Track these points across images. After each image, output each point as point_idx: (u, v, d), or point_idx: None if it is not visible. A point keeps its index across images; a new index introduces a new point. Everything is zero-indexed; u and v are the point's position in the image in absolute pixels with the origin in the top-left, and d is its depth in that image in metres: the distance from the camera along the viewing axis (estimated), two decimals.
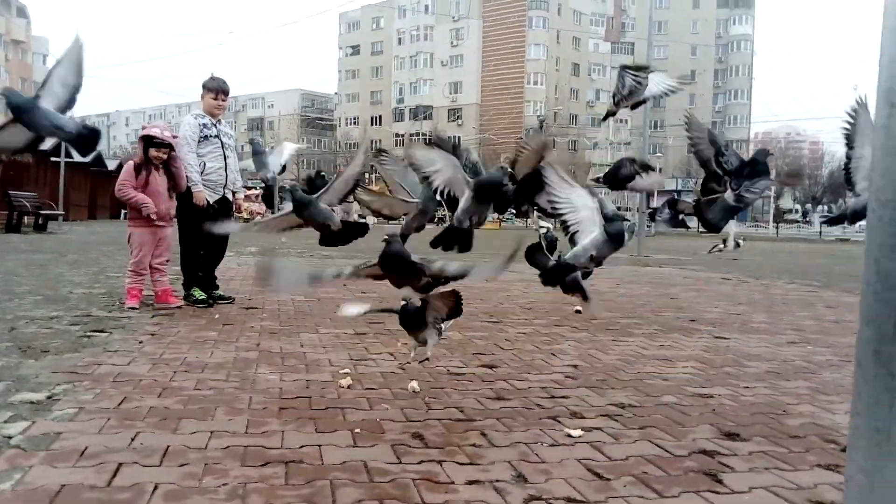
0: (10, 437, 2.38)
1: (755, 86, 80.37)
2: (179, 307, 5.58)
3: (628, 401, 3.20)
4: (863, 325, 1.10)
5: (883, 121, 1.08)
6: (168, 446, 2.36)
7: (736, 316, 6.30)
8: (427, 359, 2.94)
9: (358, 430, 2.62)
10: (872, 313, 1.08)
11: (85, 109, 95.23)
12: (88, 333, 4.33)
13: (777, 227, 43.85)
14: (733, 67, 79.81)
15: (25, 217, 17.56)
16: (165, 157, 5.58)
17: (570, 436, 2.63)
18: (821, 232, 40.90)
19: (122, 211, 5.91)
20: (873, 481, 1.08)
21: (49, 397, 2.89)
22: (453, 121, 78.48)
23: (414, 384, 3.29)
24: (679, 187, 68.84)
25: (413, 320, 2.94)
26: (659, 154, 63.57)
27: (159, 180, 5.58)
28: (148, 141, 5.56)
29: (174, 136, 5.78)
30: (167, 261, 5.74)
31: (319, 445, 2.43)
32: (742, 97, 79.59)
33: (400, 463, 2.29)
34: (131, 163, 5.68)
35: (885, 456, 1.07)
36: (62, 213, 20.81)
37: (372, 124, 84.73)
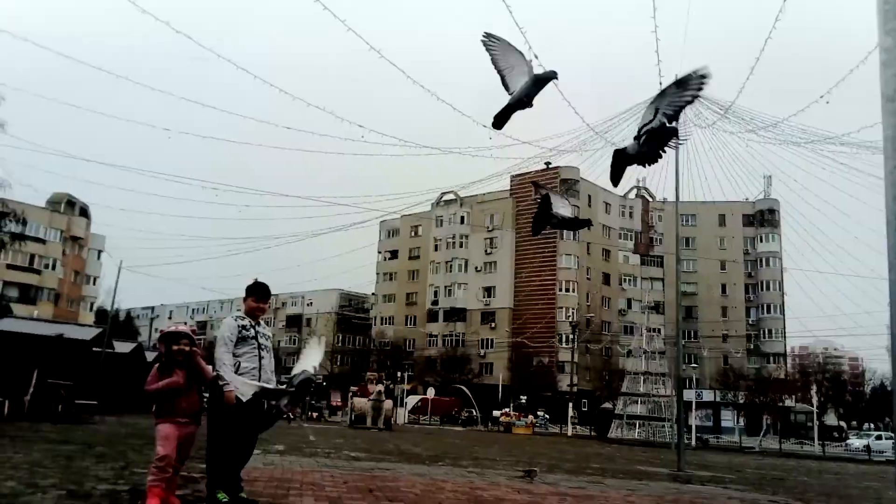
0: None
1: (787, 301, 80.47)
2: None
3: None
4: None
5: None
6: None
7: None
8: None
9: None
10: None
11: (130, 303, 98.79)
12: None
13: (823, 446, 41.79)
14: (764, 282, 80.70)
15: (59, 406, 17.69)
16: (187, 348, 5.73)
17: None
18: (870, 454, 38.89)
19: (154, 406, 6.02)
20: None
21: None
22: (486, 323, 79.41)
23: None
24: (717, 399, 67.23)
25: None
26: (694, 365, 62.74)
27: (181, 375, 5.69)
28: (167, 338, 5.73)
29: (193, 330, 5.98)
30: (186, 458, 5.73)
31: None
32: (775, 311, 79.63)
33: None
34: (156, 365, 5.80)
35: None
36: (95, 402, 20.95)
37: (406, 324, 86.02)
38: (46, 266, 67.51)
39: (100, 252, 73.89)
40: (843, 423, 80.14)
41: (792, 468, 21.55)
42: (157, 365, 5.80)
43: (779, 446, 42.52)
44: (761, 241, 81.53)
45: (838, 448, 43.98)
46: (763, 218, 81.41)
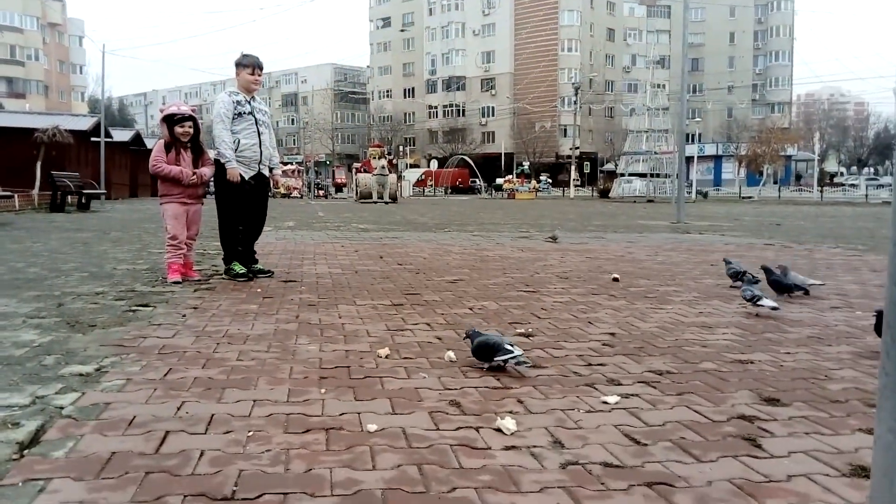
0: (61, 408, 2.47)
1: (797, 46, 77.87)
2: (199, 280, 5.69)
3: (666, 367, 3.18)
4: (891, 285, 1.08)
5: None
6: (213, 415, 2.42)
7: None
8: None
9: (396, 398, 2.66)
10: None
11: (122, 90, 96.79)
12: (133, 308, 4.45)
13: (822, 191, 42.78)
14: (773, 28, 77.50)
15: (69, 196, 17.98)
16: (191, 130, 5.69)
17: (606, 402, 2.64)
18: (867, 195, 39.83)
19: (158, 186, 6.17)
20: None
21: (98, 369, 2.98)
22: (486, 90, 77.85)
23: (450, 353, 3.32)
24: (719, 152, 67.67)
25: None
26: (698, 119, 62.30)
27: (187, 159, 5.70)
28: (170, 120, 5.67)
29: (192, 109, 5.87)
30: (196, 234, 5.91)
31: (359, 413, 2.47)
32: (783, 58, 77.36)
33: (437, 430, 2.32)
34: (162, 140, 5.78)
35: None
36: (104, 191, 21.28)
37: (405, 97, 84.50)
38: (29, 57, 65.36)
39: (80, 38, 70.98)
40: (843, 169, 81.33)
41: (790, 214, 22.22)
42: (163, 142, 5.76)
43: (778, 194, 43.57)
44: None
45: (837, 193, 44.97)
46: None
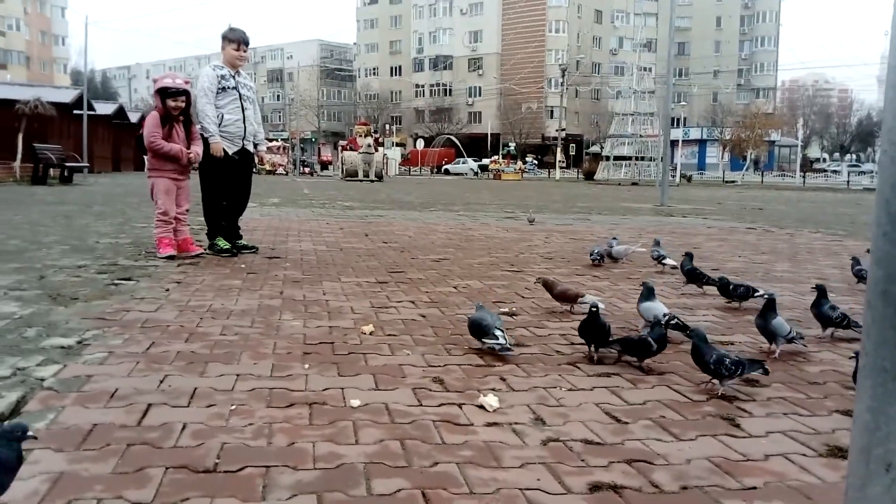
0: (42, 380, 2.45)
1: (783, 31, 78.14)
2: (199, 255, 5.64)
3: None
4: (873, 265, 1.09)
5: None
6: (196, 388, 2.42)
7: (759, 265, 6.27)
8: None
9: (380, 375, 2.66)
10: (882, 254, 1.07)
11: (105, 62, 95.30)
12: (116, 282, 4.41)
13: (804, 177, 43.08)
14: (760, 13, 77.56)
15: (51, 169, 17.74)
16: (184, 105, 5.58)
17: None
18: (848, 181, 40.14)
19: (146, 158, 5.99)
20: (878, 419, 1.09)
21: (79, 342, 2.97)
22: (473, 70, 77.41)
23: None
24: (704, 136, 67.91)
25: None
26: (683, 103, 62.38)
27: (181, 133, 5.61)
28: (163, 92, 5.53)
29: (186, 82, 5.76)
30: (187, 210, 5.82)
31: (342, 388, 2.48)
32: (769, 44, 77.51)
33: (421, 406, 2.34)
34: (156, 113, 5.57)
35: (891, 394, 1.07)
36: (87, 165, 21.02)
37: (391, 75, 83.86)
38: (10, 27, 64.15)
39: (63, 9, 69.76)
40: (825, 155, 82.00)
41: (772, 199, 22.37)
42: (157, 115, 5.56)
43: (761, 179, 43.84)
44: None
45: (819, 179, 45.33)
46: None
